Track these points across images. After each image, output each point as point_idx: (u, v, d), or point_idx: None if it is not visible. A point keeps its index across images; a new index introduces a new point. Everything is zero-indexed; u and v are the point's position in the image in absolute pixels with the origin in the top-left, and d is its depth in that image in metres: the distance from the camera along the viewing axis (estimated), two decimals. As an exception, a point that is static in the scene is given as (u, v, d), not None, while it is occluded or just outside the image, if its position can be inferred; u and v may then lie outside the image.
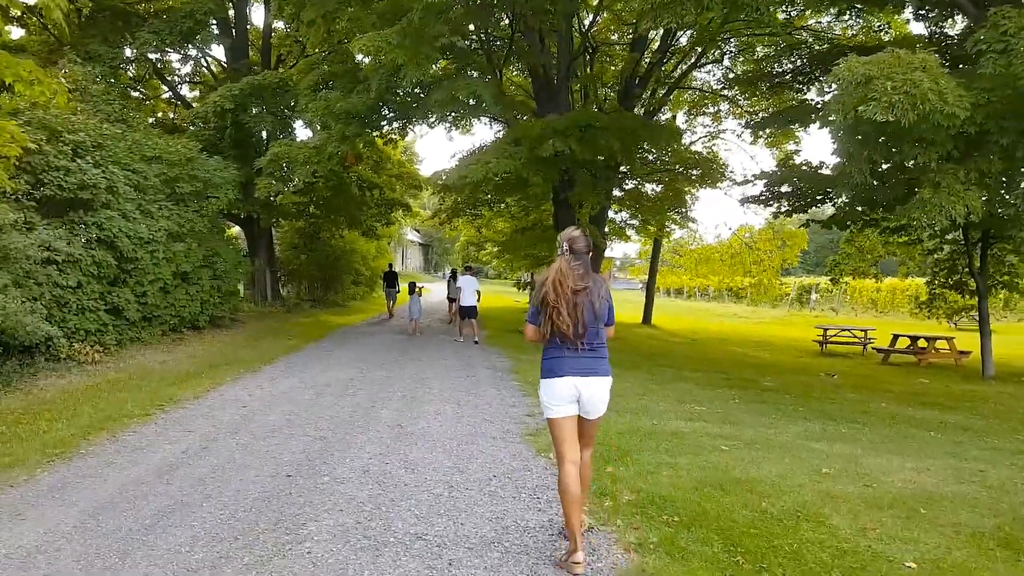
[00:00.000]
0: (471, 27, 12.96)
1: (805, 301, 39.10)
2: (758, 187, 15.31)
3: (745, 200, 14.65)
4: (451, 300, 22.59)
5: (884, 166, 10.74)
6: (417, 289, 16.85)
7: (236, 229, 24.58)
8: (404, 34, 10.70)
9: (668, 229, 24.24)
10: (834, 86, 8.18)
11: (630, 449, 5.57)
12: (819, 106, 13.55)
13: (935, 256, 16.20)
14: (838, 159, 14.80)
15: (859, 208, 13.02)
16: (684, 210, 17.00)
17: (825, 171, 13.46)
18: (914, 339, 15.76)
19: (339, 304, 24.44)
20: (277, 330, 15.56)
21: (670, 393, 9.35)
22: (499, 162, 12.69)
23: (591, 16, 20.01)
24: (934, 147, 8.07)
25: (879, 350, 16.23)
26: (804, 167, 14.64)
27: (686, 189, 19.26)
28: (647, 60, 18.98)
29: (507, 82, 19.70)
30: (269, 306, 19.96)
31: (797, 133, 20.57)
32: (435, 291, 35.75)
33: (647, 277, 26.43)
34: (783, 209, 14.52)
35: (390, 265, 22.82)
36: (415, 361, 11.50)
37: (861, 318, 34.73)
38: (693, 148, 21.21)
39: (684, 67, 20.76)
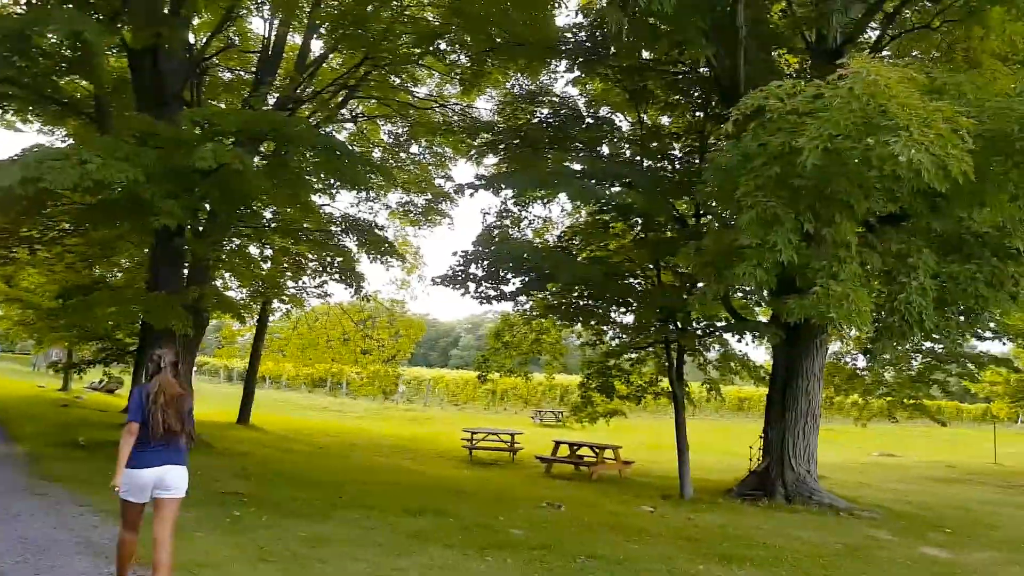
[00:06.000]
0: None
1: (390, 392, 37.83)
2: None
3: (440, 280, 11.73)
4: None
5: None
6: None
7: None
8: None
9: (277, 307, 19.70)
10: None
11: None
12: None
13: (590, 356, 15.41)
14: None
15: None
16: (357, 283, 13.03)
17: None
18: (574, 446, 14.70)
19: None
20: None
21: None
22: (109, 164, 7.09)
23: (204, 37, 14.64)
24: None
25: (543, 459, 14.72)
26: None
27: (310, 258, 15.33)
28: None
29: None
30: None
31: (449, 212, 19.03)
32: None
33: (247, 365, 21.17)
34: (482, 294, 12.11)
35: None
36: None
37: (447, 411, 35.01)
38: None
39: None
